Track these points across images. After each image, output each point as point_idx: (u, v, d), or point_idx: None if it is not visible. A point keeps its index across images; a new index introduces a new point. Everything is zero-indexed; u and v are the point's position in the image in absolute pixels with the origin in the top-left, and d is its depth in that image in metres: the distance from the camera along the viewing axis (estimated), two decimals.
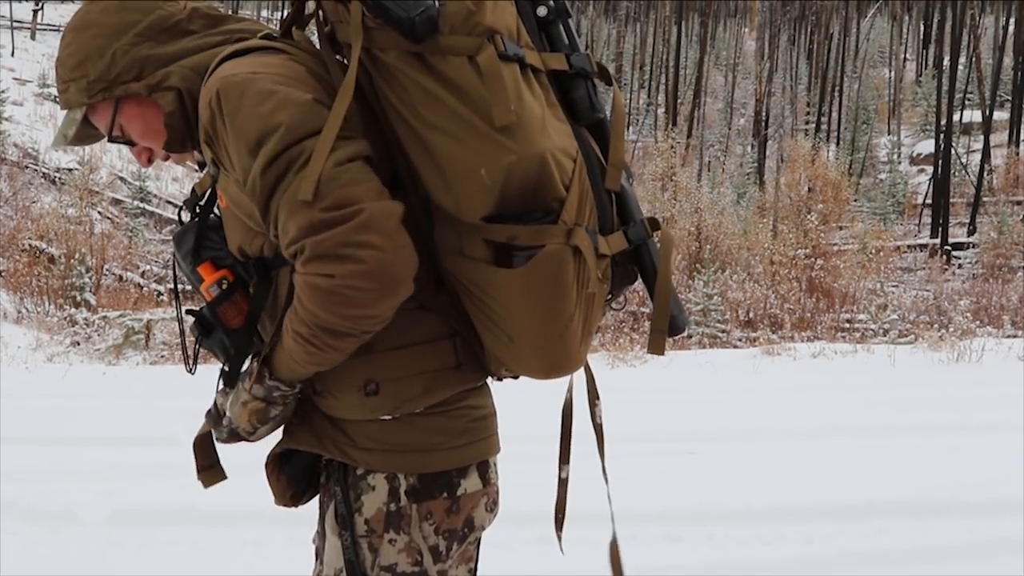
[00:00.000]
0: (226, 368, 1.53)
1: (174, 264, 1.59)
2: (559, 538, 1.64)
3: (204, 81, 1.46)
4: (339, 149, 1.34)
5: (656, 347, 1.46)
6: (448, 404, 1.48)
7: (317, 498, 1.58)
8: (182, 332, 1.64)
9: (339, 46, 1.46)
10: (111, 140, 1.57)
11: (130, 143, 1.58)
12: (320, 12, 1.46)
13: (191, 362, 1.60)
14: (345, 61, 1.45)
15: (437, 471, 1.46)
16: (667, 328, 1.46)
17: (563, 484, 1.61)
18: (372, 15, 1.37)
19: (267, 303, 1.50)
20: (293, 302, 1.39)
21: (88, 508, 4.32)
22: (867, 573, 3.77)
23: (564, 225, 1.36)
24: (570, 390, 1.61)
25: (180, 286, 1.65)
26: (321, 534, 1.55)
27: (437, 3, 1.35)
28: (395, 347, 1.43)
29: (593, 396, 1.59)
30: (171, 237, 1.61)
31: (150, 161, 1.60)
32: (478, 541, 1.55)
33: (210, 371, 1.80)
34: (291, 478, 1.55)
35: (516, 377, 1.56)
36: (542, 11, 1.44)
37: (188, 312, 1.59)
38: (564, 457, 1.61)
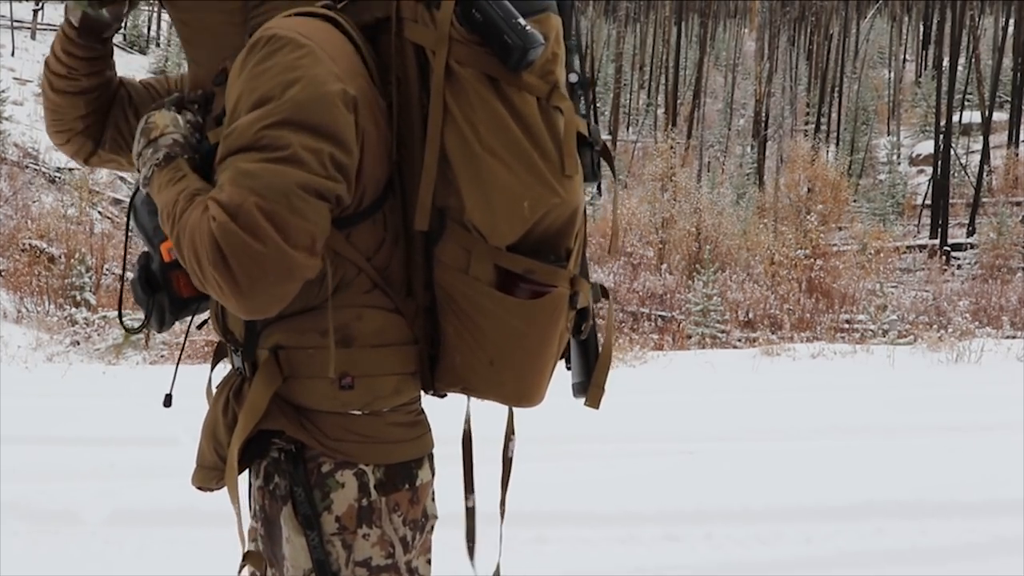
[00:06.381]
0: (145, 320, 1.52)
1: (129, 210, 1.52)
2: (473, 567, 1.67)
3: (256, 28, 1.42)
4: (316, 180, 1.31)
5: (594, 401, 1.59)
6: (404, 403, 1.52)
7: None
8: (123, 279, 1.58)
9: (372, 27, 1.44)
10: None
11: None
12: (397, 4, 1.44)
13: (146, 320, 1.54)
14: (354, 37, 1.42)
15: (401, 462, 1.48)
16: (605, 385, 1.59)
17: (470, 513, 1.65)
18: (469, 30, 1.38)
19: None
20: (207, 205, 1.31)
21: (88, 508, 4.33)
22: (865, 573, 3.78)
23: (568, 272, 1.48)
24: (467, 421, 1.65)
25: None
26: (266, 538, 1.51)
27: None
28: (373, 345, 1.45)
29: (509, 431, 1.64)
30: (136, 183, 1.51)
31: None
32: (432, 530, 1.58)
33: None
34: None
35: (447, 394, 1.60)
36: (573, 78, 1.51)
37: (137, 263, 1.54)
38: (469, 487, 1.65)
